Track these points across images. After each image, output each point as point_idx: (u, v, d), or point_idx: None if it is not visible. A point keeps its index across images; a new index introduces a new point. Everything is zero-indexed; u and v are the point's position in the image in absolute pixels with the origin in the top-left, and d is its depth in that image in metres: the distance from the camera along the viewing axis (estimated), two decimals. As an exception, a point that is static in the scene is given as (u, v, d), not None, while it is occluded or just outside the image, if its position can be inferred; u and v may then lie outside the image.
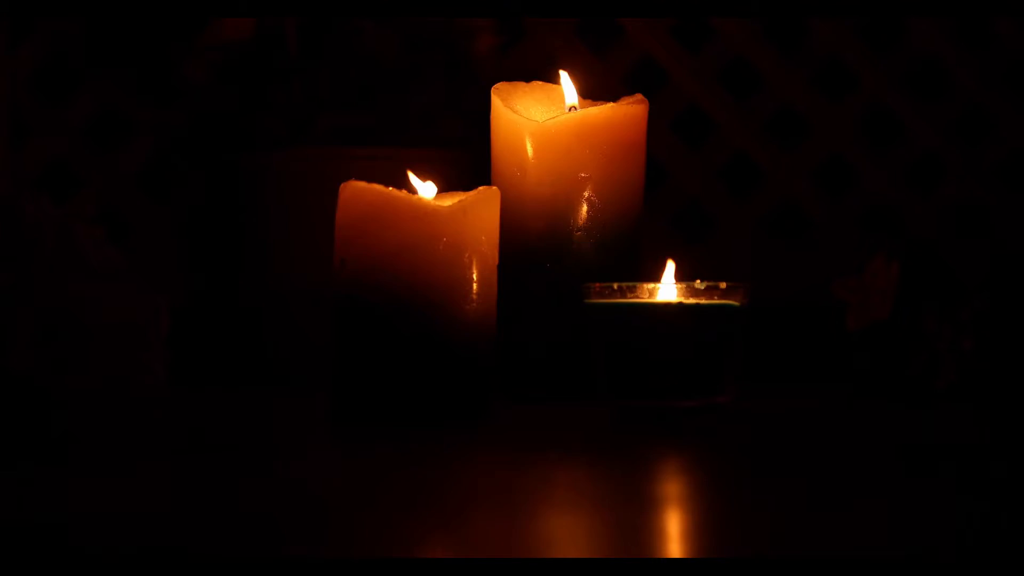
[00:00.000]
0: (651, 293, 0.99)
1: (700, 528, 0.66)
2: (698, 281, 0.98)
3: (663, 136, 1.45)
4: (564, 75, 1.14)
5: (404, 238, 0.98)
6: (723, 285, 0.98)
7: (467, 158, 1.32)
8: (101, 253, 1.16)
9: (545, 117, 1.14)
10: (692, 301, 0.98)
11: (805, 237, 1.47)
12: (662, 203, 1.46)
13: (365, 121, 1.34)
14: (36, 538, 0.63)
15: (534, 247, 1.12)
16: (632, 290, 0.99)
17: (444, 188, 1.03)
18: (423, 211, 0.99)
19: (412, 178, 1.03)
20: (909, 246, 1.22)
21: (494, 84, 1.14)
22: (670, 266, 1.01)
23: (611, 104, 1.13)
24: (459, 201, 1.00)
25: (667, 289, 0.99)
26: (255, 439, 0.98)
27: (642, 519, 0.68)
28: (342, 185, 1.00)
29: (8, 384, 1.11)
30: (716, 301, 0.98)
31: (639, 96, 1.13)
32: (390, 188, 0.99)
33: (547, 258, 1.12)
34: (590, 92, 1.15)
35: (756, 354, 1.12)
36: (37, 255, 1.14)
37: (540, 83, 1.16)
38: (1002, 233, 1.46)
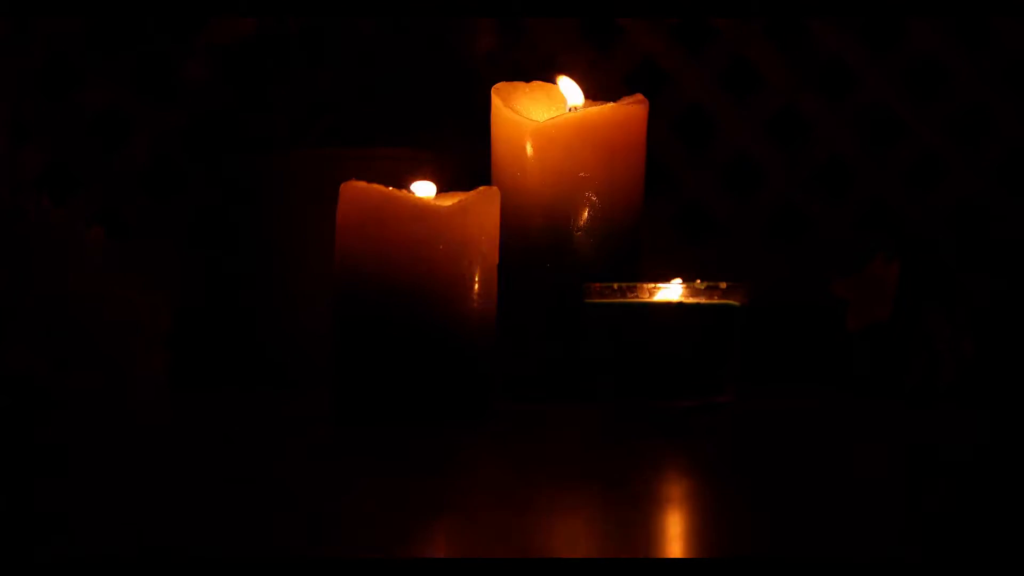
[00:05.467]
0: (651, 293, 0.99)
1: (700, 528, 0.66)
2: (698, 281, 0.98)
3: (663, 136, 1.45)
4: (564, 80, 1.14)
5: (404, 238, 0.98)
6: (723, 285, 0.98)
7: (467, 158, 1.32)
8: (101, 253, 1.16)
9: (545, 117, 1.14)
10: (692, 301, 0.98)
11: (805, 237, 1.47)
12: (662, 203, 1.46)
13: (365, 121, 1.34)
14: (34, 538, 0.63)
15: (534, 247, 1.12)
16: (632, 290, 0.99)
17: (444, 188, 1.03)
18: (423, 211, 0.99)
19: (419, 184, 1.03)
20: (909, 246, 1.22)
21: (494, 84, 1.14)
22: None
23: (611, 104, 1.13)
24: (459, 201, 1.00)
25: (667, 289, 0.99)
26: (255, 439, 0.98)
27: (642, 519, 0.68)
28: (342, 185, 1.00)
29: (8, 384, 1.11)
30: (716, 301, 0.98)
31: (639, 96, 1.13)
32: (390, 188, 0.99)
33: (547, 258, 1.12)
34: (590, 92, 1.15)
35: (756, 354, 1.12)
36: (37, 255, 1.14)
37: (540, 83, 1.16)
38: (1002, 233, 1.46)
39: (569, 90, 1.14)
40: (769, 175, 1.47)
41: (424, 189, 1.02)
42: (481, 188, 1.01)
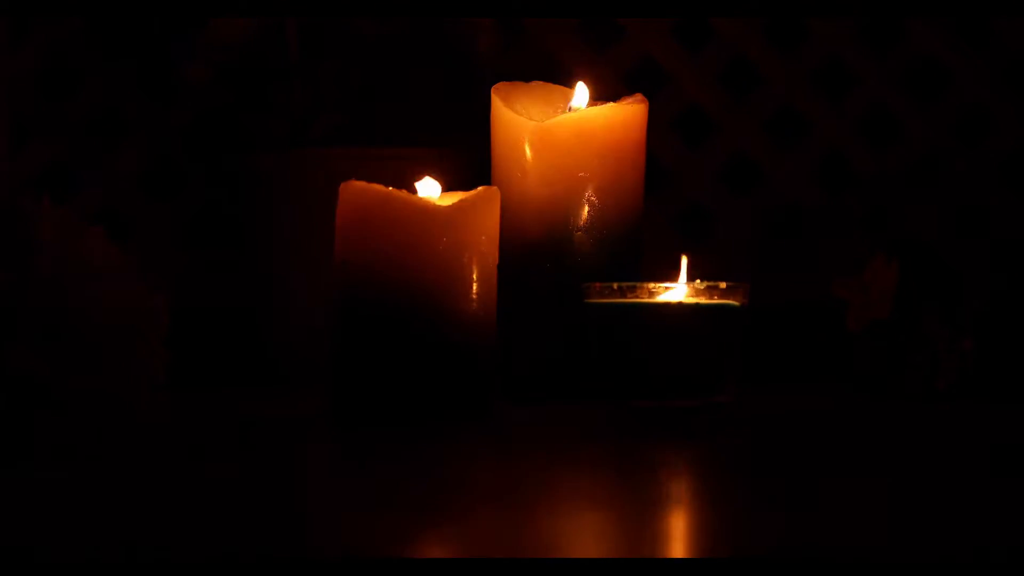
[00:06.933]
0: (651, 293, 0.99)
1: (700, 528, 0.66)
2: (698, 281, 0.98)
3: (663, 136, 1.45)
4: (581, 86, 1.14)
5: (404, 238, 0.98)
6: (723, 285, 0.98)
7: (467, 158, 1.32)
8: (101, 253, 1.16)
9: (545, 117, 1.14)
10: (692, 301, 0.98)
11: (805, 237, 1.47)
12: (662, 203, 1.46)
13: (365, 121, 1.34)
14: (34, 538, 0.63)
15: (534, 247, 1.12)
16: (632, 290, 0.99)
17: (444, 188, 1.03)
18: (423, 211, 0.99)
19: (426, 182, 1.03)
20: (909, 246, 1.22)
21: (494, 84, 1.14)
22: (684, 263, 1.00)
23: (611, 104, 1.13)
24: (459, 201, 1.00)
25: (667, 289, 0.99)
26: (255, 439, 0.98)
27: (642, 519, 0.68)
28: (342, 185, 1.00)
29: (8, 384, 1.11)
30: (716, 301, 0.98)
31: (639, 96, 1.13)
32: (390, 188, 0.99)
33: (547, 258, 1.12)
34: (590, 92, 1.15)
35: (757, 354, 1.12)
36: (37, 255, 1.14)
37: (540, 83, 1.16)
38: (1002, 233, 1.46)
39: (580, 96, 1.14)
40: (769, 175, 1.47)
41: (430, 188, 1.02)
42: (481, 188, 1.01)
